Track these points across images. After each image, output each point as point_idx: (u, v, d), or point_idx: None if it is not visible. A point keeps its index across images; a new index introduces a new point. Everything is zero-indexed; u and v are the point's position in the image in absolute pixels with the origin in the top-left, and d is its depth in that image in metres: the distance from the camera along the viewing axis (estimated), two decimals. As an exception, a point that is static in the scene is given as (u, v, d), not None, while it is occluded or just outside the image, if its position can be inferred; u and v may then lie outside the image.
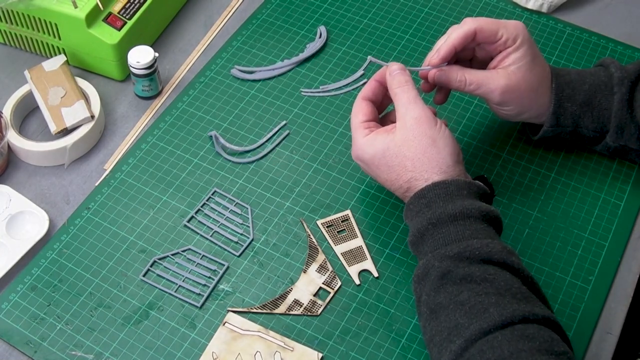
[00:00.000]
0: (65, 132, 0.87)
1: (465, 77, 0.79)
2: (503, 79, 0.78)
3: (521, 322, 0.62)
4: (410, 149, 0.73)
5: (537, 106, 0.81)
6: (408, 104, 0.74)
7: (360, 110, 0.77)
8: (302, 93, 0.94)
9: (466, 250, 0.67)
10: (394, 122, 0.76)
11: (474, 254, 0.66)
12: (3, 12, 0.93)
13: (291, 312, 0.76)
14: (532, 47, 0.79)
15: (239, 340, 0.74)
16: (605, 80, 0.81)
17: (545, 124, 0.82)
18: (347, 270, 0.79)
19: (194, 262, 0.80)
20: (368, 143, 0.75)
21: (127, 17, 0.93)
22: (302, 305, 0.76)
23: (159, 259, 0.80)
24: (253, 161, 0.88)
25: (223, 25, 1.02)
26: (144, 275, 0.79)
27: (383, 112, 0.82)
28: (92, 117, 0.88)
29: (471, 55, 0.82)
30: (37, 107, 0.91)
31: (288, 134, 0.90)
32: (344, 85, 0.95)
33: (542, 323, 0.63)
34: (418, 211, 0.71)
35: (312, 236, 0.81)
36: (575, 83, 0.81)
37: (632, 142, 0.81)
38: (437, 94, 0.84)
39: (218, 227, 0.82)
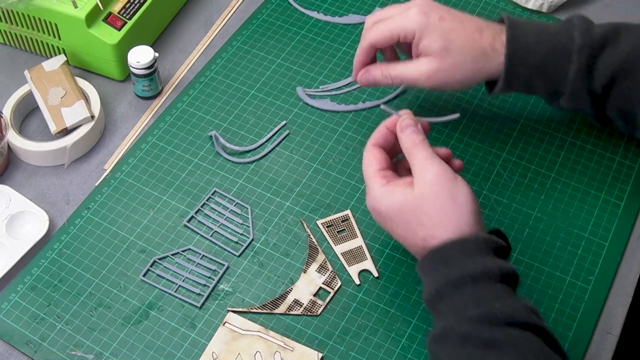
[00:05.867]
0: (65, 132, 0.87)
1: (389, 72, 0.80)
2: (424, 65, 0.78)
3: None
4: (429, 205, 0.69)
5: (484, 72, 0.79)
6: (425, 162, 0.70)
7: (373, 158, 0.73)
8: (304, 93, 0.94)
9: (489, 314, 0.64)
10: (409, 169, 0.72)
11: (497, 317, 0.64)
12: (3, 12, 0.93)
13: (291, 312, 0.76)
14: (439, 29, 0.77)
15: (239, 340, 0.74)
16: (564, 45, 0.77)
17: (496, 87, 0.80)
18: (347, 270, 0.79)
19: (194, 262, 0.80)
20: (386, 195, 0.71)
21: (127, 17, 0.93)
22: (302, 305, 0.76)
23: (159, 259, 0.80)
24: (253, 161, 0.88)
25: (223, 25, 1.02)
26: (144, 275, 0.79)
27: (395, 157, 0.78)
28: (92, 117, 0.88)
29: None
30: (37, 107, 0.91)
31: (288, 134, 0.90)
32: (343, 85, 0.95)
33: None
34: (435, 269, 0.67)
35: (312, 236, 0.81)
36: (531, 45, 0.77)
37: (587, 107, 0.79)
38: None
39: (218, 227, 0.82)
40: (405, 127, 0.72)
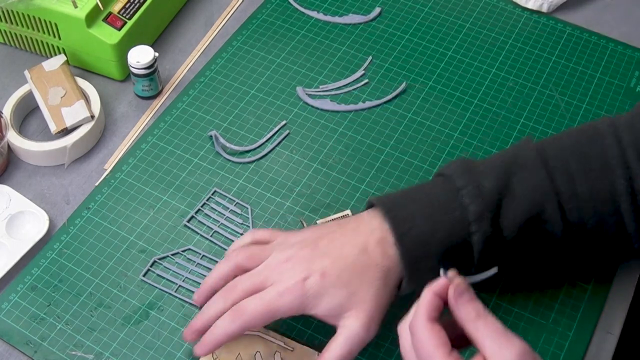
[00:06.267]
0: (65, 132, 0.87)
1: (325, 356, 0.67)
2: (351, 327, 0.66)
3: None
4: None
5: (396, 282, 0.68)
6: (499, 339, 0.55)
7: (438, 340, 0.56)
8: (304, 93, 0.94)
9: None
10: (462, 334, 0.58)
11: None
12: (3, 12, 0.93)
13: None
14: (327, 287, 0.66)
15: (239, 340, 0.74)
16: (460, 219, 0.67)
17: (401, 290, 0.69)
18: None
19: (194, 262, 0.80)
20: None
21: (127, 17, 0.93)
22: None
23: (159, 259, 0.80)
24: (253, 161, 0.88)
25: (223, 25, 1.02)
26: (144, 275, 0.79)
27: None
28: (92, 117, 0.88)
29: None
30: (37, 107, 0.91)
31: (288, 134, 0.90)
32: (343, 85, 0.95)
33: None
34: None
35: None
36: (425, 236, 0.67)
37: (499, 269, 0.66)
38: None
39: (218, 227, 0.82)
40: (460, 294, 0.57)
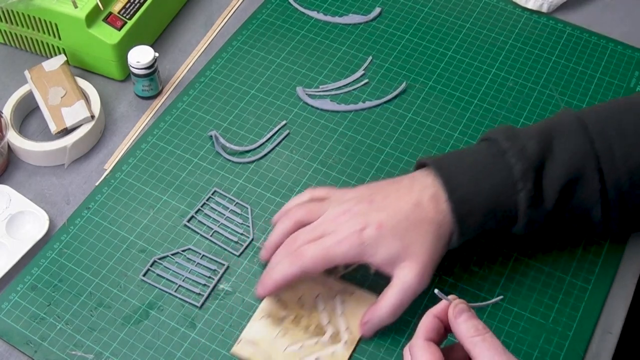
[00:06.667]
0: (65, 132, 0.87)
1: (384, 309, 0.71)
2: (404, 278, 0.70)
3: None
4: None
5: (448, 238, 0.73)
6: (496, 357, 0.58)
7: (432, 356, 0.59)
8: (304, 93, 0.94)
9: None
10: (461, 357, 0.62)
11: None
12: (3, 12, 0.93)
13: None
14: (384, 238, 0.70)
15: (301, 283, 0.76)
16: (505, 178, 0.71)
17: (452, 244, 0.73)
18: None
19: (194, 261, 0.80)
20: None
21: (127, 17, 0.93)
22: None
23: (159, 258, 0.80)
24: (253, 161, 0.88)
25: (223, 25, 1.02)
26: (144, 275, 0.79)
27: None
28: (92, 117, 0.88)
29: None
30: (37, 107, 0.91)
31: (288, 134, 0.90)
32: (343, 85, 0.95)
33: None
34: None
35: None
36: (472, 193, 0.71)
37: (540, 229, 0.74)
38: None
39: (218, 226, 0.82)
40: (459, 314, 0.60)
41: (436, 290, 0.61)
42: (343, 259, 0.71)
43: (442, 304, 0.62)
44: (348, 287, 0.76)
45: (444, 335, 0.62)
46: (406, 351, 0.62)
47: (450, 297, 0.61)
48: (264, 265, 0.79)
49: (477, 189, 0.71)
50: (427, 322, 0.61)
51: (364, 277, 0.77)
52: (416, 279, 0.70)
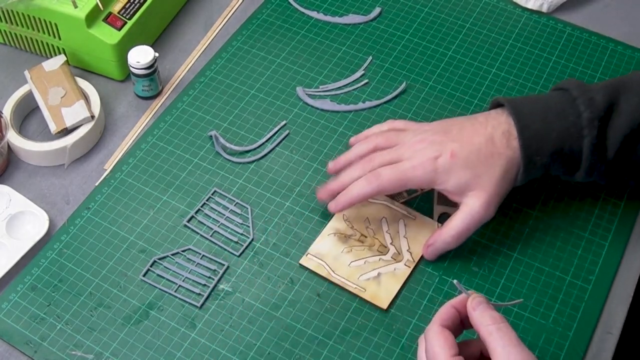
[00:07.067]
0: (65, 132, 0.87)
1: (450, 232, 0.76)
2: (472, 205, 0.75)
3: None
4: None
5: (514, 175, 0.78)
6: (510, 347, 0.59)
7: (445, 343, 0.61)
8: (304, 93, 0.94)
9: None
10: (475, 353, 0.64)
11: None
12: (3, 12, 0.93)
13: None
14: (456, 166, 0.75)
15: (367, 206, 0.81)
16: (574, 123, 0.75)
17: (518, 181, 0.78)
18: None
19: (194, 262, 0.80)
20: None
21: (127, 17, 0.93)
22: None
23: (159, 258, 0.80)
24: (253, 161, 0.88)
25: (223, 25, 1.02)
26: (144, 275, 0.79)
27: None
28: (92, 117, 0.88)
29: None
30: (37, 107, 0.91)
31: (288, 134, 0.90)
32: (344, 85, 0.95)
33: None
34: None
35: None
36: (542, 133, 0.75)
37: (600, 178, 0.78)
38: None
39: (218, 227, 0.82)
40: (478, 304, 0.63)
41: (455, 281, 0.64)
42: (416, 183, 0.76)
43: (460, 296, 0.64)
44: (411, 212, 0.81)
45: (459, 327, 0.64)
46: (421, 339, 0.64)
47: (470, 291, 0.64)
48: (265, 265, 0.79)
49: (547, 130, 0.75)
50: (443, 310, 0.64)
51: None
52: (483, 207, 0.75)
